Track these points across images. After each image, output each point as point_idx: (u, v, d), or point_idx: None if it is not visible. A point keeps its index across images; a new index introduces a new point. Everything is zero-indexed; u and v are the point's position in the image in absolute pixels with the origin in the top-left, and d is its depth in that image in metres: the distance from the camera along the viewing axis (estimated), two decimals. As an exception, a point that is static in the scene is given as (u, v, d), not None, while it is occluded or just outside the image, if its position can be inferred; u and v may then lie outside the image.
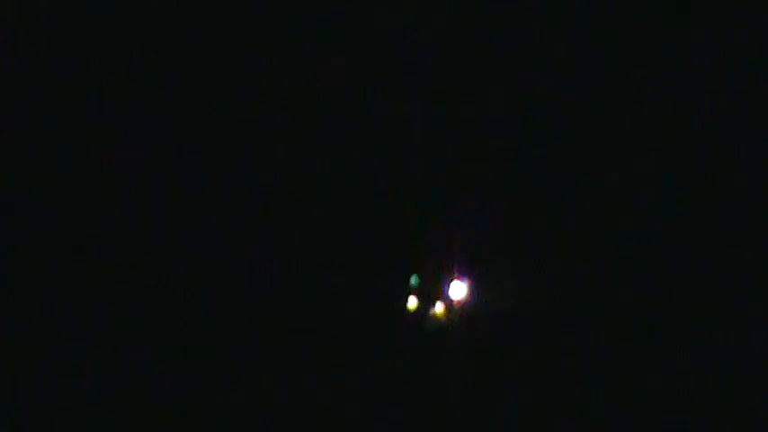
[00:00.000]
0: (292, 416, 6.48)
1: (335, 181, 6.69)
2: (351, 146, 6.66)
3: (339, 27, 6.66)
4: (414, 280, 6.72)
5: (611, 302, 6.59)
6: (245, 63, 6.67)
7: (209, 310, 6.57)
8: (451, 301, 6.71)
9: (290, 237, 6.66)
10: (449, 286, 6.72)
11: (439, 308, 6.72)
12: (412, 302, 6.73)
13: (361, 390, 6.59)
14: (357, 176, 6.69)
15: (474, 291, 6.71)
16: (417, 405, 6.59)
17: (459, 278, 6.71)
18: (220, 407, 6.43)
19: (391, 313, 6.72)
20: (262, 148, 6.63)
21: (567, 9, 6.60)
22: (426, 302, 6.73)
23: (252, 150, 6.65)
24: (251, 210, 6.61)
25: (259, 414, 6.42)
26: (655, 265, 6.60)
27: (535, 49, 6.62)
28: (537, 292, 6.68)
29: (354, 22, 6.64)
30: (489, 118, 6.67)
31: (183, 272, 6.58)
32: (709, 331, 6.47)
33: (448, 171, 6.72)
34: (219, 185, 6.65)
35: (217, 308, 6.59)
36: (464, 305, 6.70)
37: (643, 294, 6.58)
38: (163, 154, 6.65)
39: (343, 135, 6.67)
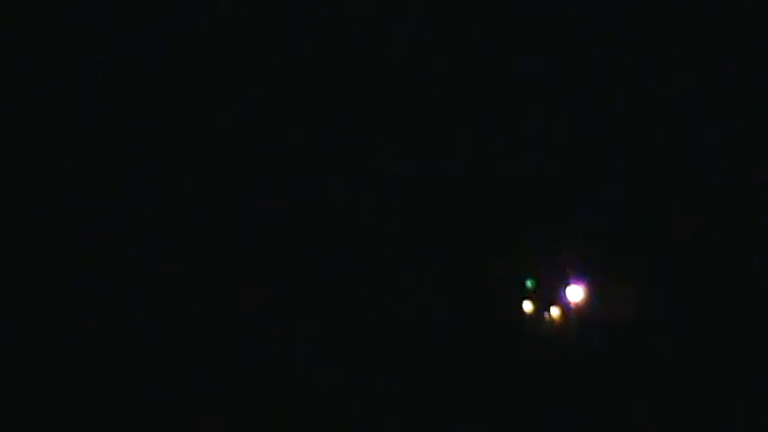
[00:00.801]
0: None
1: (450, 181, 6.57)
2: (467, 148, 6.54)
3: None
4: (530, 283, 6.58)
5: (734, 311, 6.44)
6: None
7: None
8: (568, 304, 6.57)
9: (408, 239, 6.53)
10: (565, 289, 6.58)
11: (555, 312, 6.57)
12: (528, 306, 6.58)
13: (477, 394, 6.43)
14: (476, 176, 6.57)
15: (591, 294, 6.57)
16: (533, 409, 6.42)
17: (575, 281, 6.57)
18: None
19: (508, 317, 6.57)
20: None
21: None
22: (542, 306, 6.58)
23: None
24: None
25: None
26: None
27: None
28: (656, 298, 6.54)
29: None
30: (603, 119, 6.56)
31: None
32: None
33: (563, 174, 6.60)
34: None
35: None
36: (581, 309, 6.56)
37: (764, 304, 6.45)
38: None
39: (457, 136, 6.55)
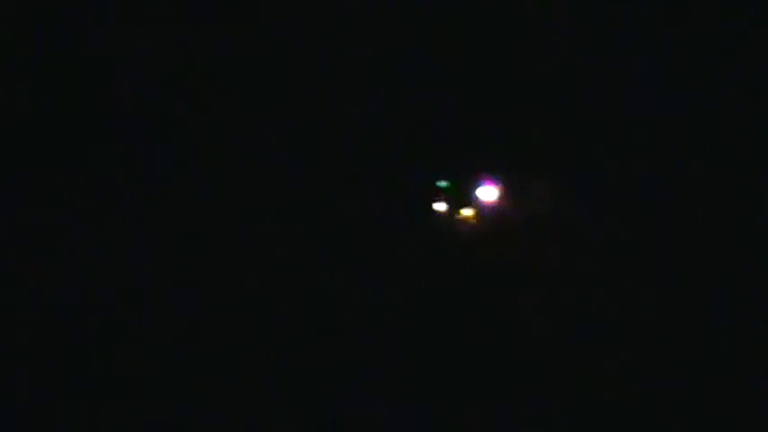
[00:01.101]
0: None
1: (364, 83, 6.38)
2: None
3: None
4: (443, 183, 6.42)
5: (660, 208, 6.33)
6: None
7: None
8: (482, 204, 6.42)
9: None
10: (479, 189, 6.43)
11: (468, 211, 6.43)
12: (440, 206, 6.42)
13: (385, 297, 6.31)
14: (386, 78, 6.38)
15: (506, 194, 6.42)
16: (444, 311, 6.32)
17: (490, 181, 6.42)
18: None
19: (419, 217, 6.42)
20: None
21: None
22: (455, 206, 6.43)
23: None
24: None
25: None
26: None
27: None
28: (571, 196, 6.40)
29: None
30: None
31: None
32: None
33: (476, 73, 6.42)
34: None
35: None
36: (495, 209, 6.42)
37: (676, 203, 6.33)
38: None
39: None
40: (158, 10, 6.22)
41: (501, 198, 6.42)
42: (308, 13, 6.32)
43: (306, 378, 6.14)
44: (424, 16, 6.38)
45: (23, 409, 5.89)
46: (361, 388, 6.13)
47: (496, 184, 6.42)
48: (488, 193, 6.43)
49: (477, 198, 6.43)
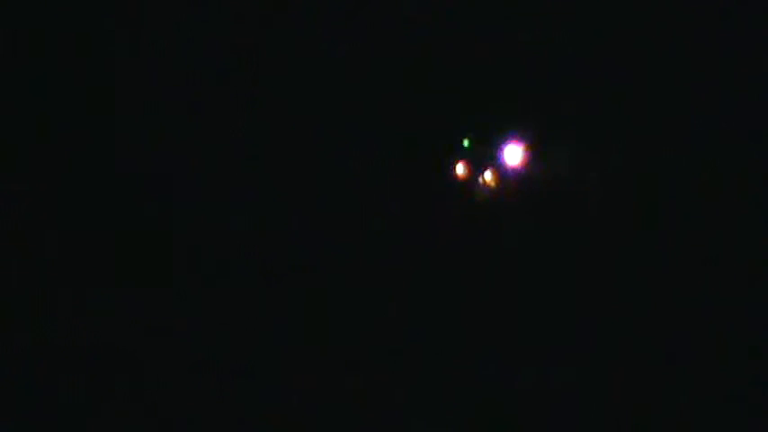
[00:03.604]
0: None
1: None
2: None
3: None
4: (466, 143, 6.09)
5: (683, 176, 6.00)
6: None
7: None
8: (505, 167, 6.10)
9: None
10: (503, 150, 6.10)
11: (490, 175, 6.11)
12: (461, 168, 6.11)
13: (405, 261, 6.07)
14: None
15: (530, 156, 6.09)
16: (464, 280, 6.08)
17: (514, 142, 6.08)
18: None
19: (439, 180, 6.12)
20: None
21: None
22: (477, 168, 6.12)
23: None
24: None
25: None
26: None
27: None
28: (599, 159, 6.07)
29: None
30: None
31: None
32: None
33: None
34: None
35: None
36: (518, 172, 6.10)
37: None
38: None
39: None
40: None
41: (527, 160, 6.08)
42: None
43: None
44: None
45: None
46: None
47: (521, 145, 6.07)
48: (514, 154, 6.09)
49: (501, 159, 6.10)
